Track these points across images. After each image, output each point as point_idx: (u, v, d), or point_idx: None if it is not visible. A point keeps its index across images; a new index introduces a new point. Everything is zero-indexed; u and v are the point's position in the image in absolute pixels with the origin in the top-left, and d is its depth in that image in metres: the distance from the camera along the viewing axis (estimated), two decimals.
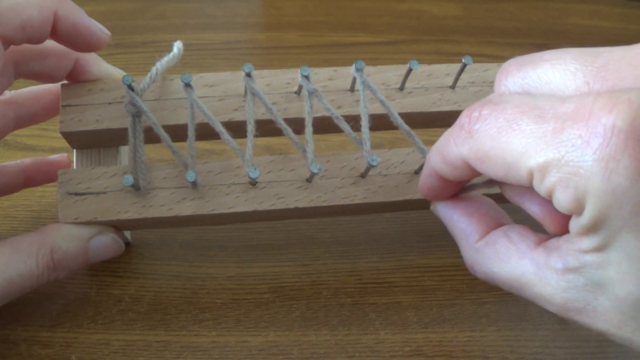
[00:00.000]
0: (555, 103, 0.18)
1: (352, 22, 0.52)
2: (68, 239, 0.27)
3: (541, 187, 0.18)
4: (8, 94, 0.30)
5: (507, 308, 0.31)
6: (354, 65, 0.29)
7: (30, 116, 0.31)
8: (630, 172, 0.16)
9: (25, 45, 0.27)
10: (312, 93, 0.28)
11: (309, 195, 0.28)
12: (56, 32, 0.26)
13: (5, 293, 0.25)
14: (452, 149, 0.21)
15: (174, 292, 0.31)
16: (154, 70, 0.29)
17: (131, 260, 0.32)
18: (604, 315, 0.19)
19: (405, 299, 0.32)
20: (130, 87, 0.27)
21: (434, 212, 0.26)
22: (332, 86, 0.31)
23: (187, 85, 0.28)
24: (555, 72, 0.20)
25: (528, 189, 0.20)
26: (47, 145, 0.38)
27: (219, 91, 0.30)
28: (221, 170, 0.28)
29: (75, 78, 0.29)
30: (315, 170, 0.27)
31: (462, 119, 0.21)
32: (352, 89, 0.31)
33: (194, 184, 0.27)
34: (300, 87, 0.30)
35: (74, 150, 0.30)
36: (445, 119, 0.32)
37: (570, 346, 0.30)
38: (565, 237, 0.20)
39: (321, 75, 0.31)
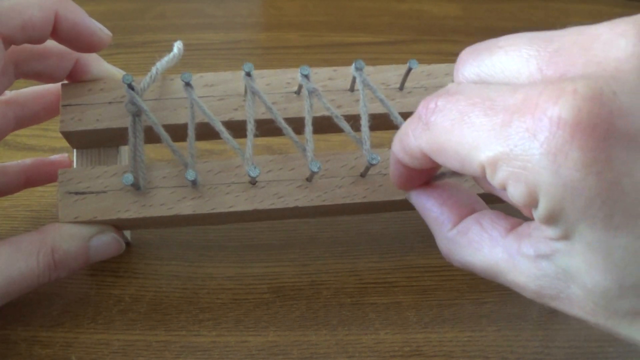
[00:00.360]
0: (506, 94, 0.18)
1: (352, 22, 0.52)
2: (69, 239, 0.27)
3: (493, 181, 0.18)
4: (9, 94, 0.30)
5: (507, 308, 0.31)
6: (353, 64, 0.29)
7: (31, 116, 0.31)
8: (580, 165, 0.16)
9: (26, 45, 0.27)
10: (312, 92, 0.28)
11: (309, 194, 0.28)
12: (57, 32, 0.26)
13: (6, 292, 0.25)
14: (410, 140, 0.21)
15: (174, 292, 0.31)
16: (154, 69, 0.29)
17: (131, 260, 0.32)
18: (577, 303, 0.19)
19: (405, 299, 0.32)
20: (130, 86, 0.27)
21: (408, 201, 0.26)
22: (332, 86, 0.31)
23: (187, 84, 0.28)
24: (509, 58, 0.19)
25: None
26: (47, 145, 0.38)
27: (219, 91, 0.30)
28: (221, 170, 0.29)
29: (76, 78, 0.29)
30: (315, 169, 0.27)
31: (420, 110, 0.21)
32: (352, 89, 0.31)
33: (194, 182, 0.27)
34: (300, 87, 0.30)
35: (74, 151, 0.30)
36: None
37: (570, 346, 0.30)
38: (535, 223, 0.19)
39: (321, 75, 0.31)
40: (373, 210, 0.31)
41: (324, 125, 0.30)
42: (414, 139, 0.21)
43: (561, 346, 0.30)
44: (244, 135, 0.28)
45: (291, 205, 0.28)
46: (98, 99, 0.29)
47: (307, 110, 0.28)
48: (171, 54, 0.30)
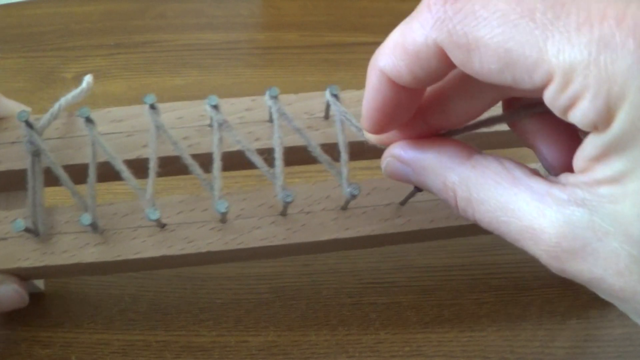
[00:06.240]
0: None
1: (352, 22, 0.52)
2: None
3: (562, 96, 0.15)
4: None
5: (507, 308, 0.31)
6: (267, 92, 0.27)
7: None
8: None
9: None
10: (221, 125, 0.26)
11: (223, 237, 0.26)
12: None
13: None
14: (416, 34, 0.17)
15: (174, 292, 0.31)
16: (56, 106, 0.26)
17: None
18: (605, 260, 0.16)
19: (405, 299, 0.32)
20: (28, 124, 0.25)
21: (387, 170, 0.21)
22: (250, 117, 0.28)
23: (88, 120, 0.25)
24: None
25: (536, 115, 0.18)
26: None
27: (127, 126, 0.27)
28: (127, 212, 0.26)
29: None
30: (222, 210, 0.24)
31: None
32: (271, 120, 0.28)
33: (94, 227, 0.25)
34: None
35: None
36: None
37: (570, 346, 0.30)
38: (572, 174, 0.17)
39: (238, 106, 0.28)
40: (299, 252, 0.29)
41: (241, 162, 0.27)
42: (422, 30, 0.17)
43: (561, 346, 0.30)
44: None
45: (203, 250, 0.25)
46: (0, 138, 0.27)
47: (215, 145, 0.26)
48: (79, 89, 0.28)
